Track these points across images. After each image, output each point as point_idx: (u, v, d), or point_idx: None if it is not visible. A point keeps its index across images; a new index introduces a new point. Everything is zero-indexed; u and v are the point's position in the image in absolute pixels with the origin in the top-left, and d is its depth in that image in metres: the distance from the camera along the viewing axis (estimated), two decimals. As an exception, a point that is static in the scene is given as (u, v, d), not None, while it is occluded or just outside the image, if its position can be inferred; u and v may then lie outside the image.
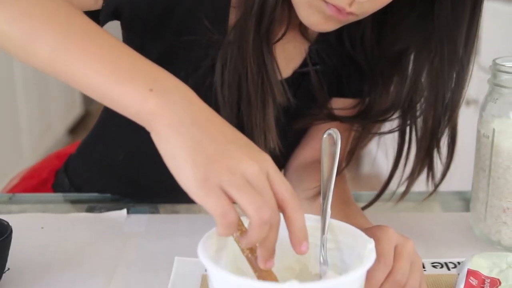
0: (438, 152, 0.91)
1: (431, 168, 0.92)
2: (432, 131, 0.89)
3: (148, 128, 0.61)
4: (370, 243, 0.63)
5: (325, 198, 0.69)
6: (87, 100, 4.42)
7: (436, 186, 0.93)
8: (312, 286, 0.57)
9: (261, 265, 0.61)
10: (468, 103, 2.12)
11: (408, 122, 0.91)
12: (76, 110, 4.22)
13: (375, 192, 0.98)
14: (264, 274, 0.62)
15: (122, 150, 1.00)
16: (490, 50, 0.80)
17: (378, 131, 0.94)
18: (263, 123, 0.84)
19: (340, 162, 0.83)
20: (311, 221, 0.69)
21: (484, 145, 0.86)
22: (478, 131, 0.87)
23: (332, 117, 0.93)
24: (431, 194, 0.94)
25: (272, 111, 0.84)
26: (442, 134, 0.90)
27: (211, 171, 0.57)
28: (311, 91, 0.92)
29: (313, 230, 0.68)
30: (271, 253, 0.61)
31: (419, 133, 0.91)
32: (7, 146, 2.93)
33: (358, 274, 0.58)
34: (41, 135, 3.44)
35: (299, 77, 0.92)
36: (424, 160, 0.91)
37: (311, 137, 1.00)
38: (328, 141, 0.72)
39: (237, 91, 0.83)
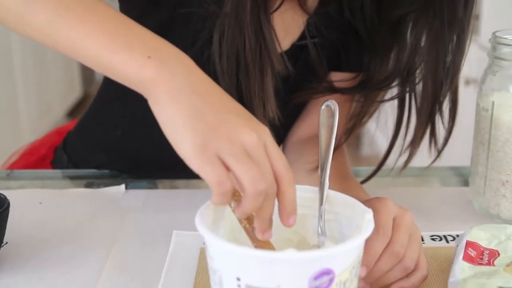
0: (441, 115, 0.91)
1: (433, 134, 0.91)
2: (434, 95, 0.89)
3: (146, 96, 0.61)
4: (369, 213, 0.63)
5: (323, 169, 0.69)
6: (86, 83, 4.42)
7: (439, 152, 0.92)
8: (310, 254, 0.57)
9: (259, 235, 0.61)
10: (467, 82, 2.11)
11: (408, 89, 0.91)
12: (75, 93, 4.22)
13: (370, 167, 0.97)
14: (261, 245, 0.62)
15: (120, 126, 1.00)
16: (490, 29, 0.80)
17: (380, 99, 0.94)
18: (262, 93, 0.83)
19: (338, 135, 0.83)
20: (309, 192, 0.68)
21: (484, 119, 0.85)
22: (478, 105, 0.87)
23: (332, 90, 0.93)
24: (434, 160, 0.94)
25: (271, 80, 0.84)
26: (444, 97, 0.89)
27: (210, 139, 0.57)
28: (310, 64, 0.92)
29: (311, 202, 0.68)
30: (268, 224, 0.61)
31: (418, 100, 0.91)
32: (6, 129, 2.93)
33: (356, 243, 0.58)
34: (40, 118, 3.44)
35: (297, 50, 0.92)
36: (426, 125, 0.90)
37: (309, 111, 0.99)
38: (326, 112, 0.71)
39: (236, 62, 0.82)
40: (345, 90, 0.93)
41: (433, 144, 0.92)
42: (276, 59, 0.83)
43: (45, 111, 3.56)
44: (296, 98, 0.94)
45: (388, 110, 0.98)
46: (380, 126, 1.02)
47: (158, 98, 0.59)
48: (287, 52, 0.89)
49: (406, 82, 0.91)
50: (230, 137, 0.57)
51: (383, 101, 0.94)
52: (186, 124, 0.58)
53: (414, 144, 0.92)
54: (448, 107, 0.91)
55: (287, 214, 0.61)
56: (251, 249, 0.57)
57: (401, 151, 0.94)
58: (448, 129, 0.92)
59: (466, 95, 2.12)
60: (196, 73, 0.61)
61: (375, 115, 0.98)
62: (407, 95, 0.92)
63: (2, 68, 2.95)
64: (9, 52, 3.04)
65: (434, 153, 0.93)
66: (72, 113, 4.03)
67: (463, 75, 2.25)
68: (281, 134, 0.99)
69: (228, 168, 0.57)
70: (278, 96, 0.86)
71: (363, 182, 0.95)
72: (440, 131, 0.92)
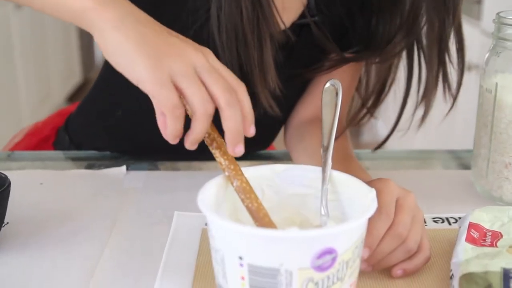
0: (449, 55, 0.91)
1: (446, 79, 0.91)
2: (439, 35, 0.89)
3: (91, 29, 0.62)
4: (371, 193, 0.62)
5: (326, 149, 0.68)
6: (86, 68, 4.41)
7: (455, 98, 0.93)
8: (313, 232, 0.56)
9: (230, 150, 0.62)
10: (469, 68, 2.10)
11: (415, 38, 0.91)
12: (75, 78, 4.21)
13: (371, 151, 0.97)
14: (264, 223, 0.62)
15: (120, 106, 1.00)
16: (492, 15, 0.79)
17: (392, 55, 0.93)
18: (262, 63, 0.83)
19: (340, 118, 0.83)
20: (312, 172, 0.68)
21: (487, 100, 0.85)
22: (481, 87, 0.86)
23: (344, 61, 0.93)
24: (451, 108, 0.94)
25: (270, 50, 0.84)
26: (449, 35, 0.89)
27: (163, 60, 0.59)
28: (312, 43, 0.91)
29: (314, 182, 0.68)
30: (238, 137, 0.61)
31: (426, 46, 0.91)
32: (6, 115, 2.93)
33: (359, 222, 0.58)
34: (40, 104, 3.43)
35: (297, 29, 0.91)
36: (438, 70, 0.90)
37: (310, 94, 0.99)
38: (329, 92, 0.71)
39: (234, 33, 0.82)
40: (358, 57, 0.93)
41: (447, 90, 0.92)
42: (274, 28, 0.84)
43: (45, 96, 3.55)
44: (304, 76, 0.94)
45: (388, 99, 0.98)
46: (380, 113, 1.02)
47: (103, 27, 0.61)
48: (287, 30, 0.89)
49: (412, 30, 0.90)
50: (182, 58, 0.59)
51: (393, 57, 0.93)
52: (136, 49, 0.59)
53: (428, 93, 0.91)
54: (455, 48, 0.91)
55: (248, 123, 0.62)
56: (254, 227, 0.56)
57: (416, 103, 0.94)
58: (460, 71, 0.92)
59: (468, 80, 2.12)
60: (133, 6, 0.64)
61: None
62: (415, 44, 0.92)
63: (2, 54, 2.94)
64: (9, 38, 3.03)
65: (449, 100, 0.93)
66: (72, 98, 4.03)
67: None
68: (285, 113, 0.98)
69: (179, 90, 0.59)
70: (281, 72, 0.86)
71: (376, 148, 0.96)
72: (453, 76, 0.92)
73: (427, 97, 0.92)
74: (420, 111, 0.94)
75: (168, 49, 0.60)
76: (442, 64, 0.90)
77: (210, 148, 0.64)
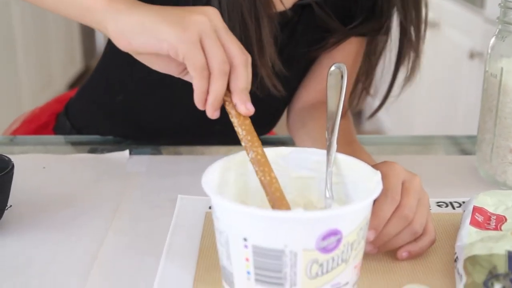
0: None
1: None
2: None
3: (103, 21, 0.65)
4: (377, 175, 0.62)
5: (331, 131, 0.68)
6: (87, 56, 4.40)
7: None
8: (318, 214, 0.56)
9: (241, 110, 0.63)
10: (472, 55, 2.10)
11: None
12: (76, 66, 4.20)
13: (378, 135, 0.98)
14: (275, 198, 0.62)
15: (121, 90, 1.00)
16: (495, 2, 0.80)
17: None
18: (260, 41, 0.84)
19: (344, 100, 0.83)
20: (317, 155, 0.68)
21: (492, 85, 0.84)
22: (486, 71, 0.86)
23: (347, 35, 0.94)
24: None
25: (268, 29, 0.84)
26: None
27: (187, 24, 0.61)
28: (315, 23, 0.91)
29: (318, 165, 0.68)
30: (246, 95, 0.63)
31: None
32: (7, 102, 2.92)
33: (364, 204, 0.58)
34: (41, 91, 3.42)
35: (299, 9, 0.91)
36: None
37: (313, 78, 0.99)
38: (334, 75, 0.70)
39: (234, 14, 0.82)
40: (361, 30, 0.94)
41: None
42: (271, 10, 0.85)
43: (46, 84, 3.54)
44: (308, 55, 0.94)
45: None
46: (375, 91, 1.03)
47: (116, 15, 0.64)
48: (288, 11, 0.89)
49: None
50: (202, 20, 0.62)
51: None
52: (157, 21, 0.62)
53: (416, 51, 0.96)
54: None
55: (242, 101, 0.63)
56: (259, 208, 0.56)
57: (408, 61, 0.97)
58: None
59: (471, 68, 2.12)
60: None
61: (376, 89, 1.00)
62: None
63: (3, 41, 2.94)
64: (10, 25, 3.02)
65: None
66: (73, 86, 4.02)
67: (467, 48, 2.26)
68: (288, 94, 0.98)
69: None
70: (284, 52, 0.86)
71: (371, 116, 1.02)
72: None
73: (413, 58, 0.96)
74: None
75: (187, 14, 0.62)
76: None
77: (230, 116, 0.64)
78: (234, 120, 0.64)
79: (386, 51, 0.99)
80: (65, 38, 3.95)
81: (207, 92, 0.63)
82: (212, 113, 0.63)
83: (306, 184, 0.69)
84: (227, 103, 0.64)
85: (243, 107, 0.63)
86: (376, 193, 0.59)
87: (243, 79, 0.62)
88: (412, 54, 0.96)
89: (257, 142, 0.62)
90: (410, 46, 0.95)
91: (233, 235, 0.58)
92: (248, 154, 0.63)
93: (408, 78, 0.98)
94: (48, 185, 0.86)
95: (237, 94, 0.63)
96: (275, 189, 0.62)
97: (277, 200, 0.62)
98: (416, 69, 0.97)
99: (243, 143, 0.63)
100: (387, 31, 0.96)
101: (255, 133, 0.64)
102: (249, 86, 0.63)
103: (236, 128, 0.64)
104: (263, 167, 0.62)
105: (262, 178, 0.62)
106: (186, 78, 0.67)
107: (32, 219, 0.77)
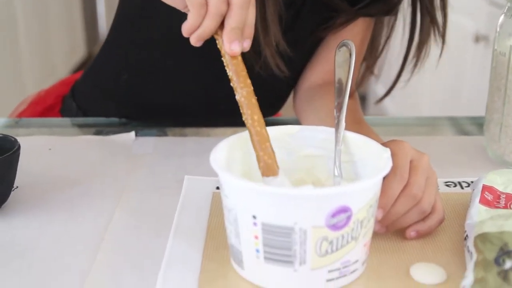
0: None
1: (434, 21, 0.95)
2: None
3: None
4: (386, 152, 0.62)
5: (339, 109, 0.67)
6: (90, 43, 4.39)
7: (443, 36, 0.97)
8: (328, 190, 0.56)
9: (226, 48, 0.62)
10: (477, 39, 2.08)
11: None
12: (79, 53, 4.19)
13: (385, 117, 0.97)
14: (255, 141, 0.62)
15: (126, 70, 0.99)
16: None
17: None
18: (264, 20, 0.83)
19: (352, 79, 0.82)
20: (325, 133, 0.67)
21: (500, 64, 0.84)
22: (495, 50, 0.85)
23: (355, 16, 0.93)
24: (442, 50, 0.98)
25: (272, 4, 0.83)
26: None
27: None
28: (321, 2, 0.91)
29: (327, 143, 0.67)
30: (235, 34, 0.61)
31: None
32: (10, 90, 2.92)
33: (374, 181, 0.57)
34: (44, 78, 3.41)
35: None
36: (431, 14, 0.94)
37: (320, 59, 0.98)
38: (342, 52, 0.70)
39: None
40: (368, 11, 0.93)
41: (436, 33, 0.95)
42: None
43: (49, 72, 3.53)
44: (314, 35, 0.93)
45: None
46: (386, 85, 1.02)
47: None
48: None
49: None
50: None
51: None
52: None
53: (425, 37, 0.95)
54: None
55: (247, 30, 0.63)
56: (268, 186, 0.56)
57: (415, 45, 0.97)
58: (443, 12, 0.95)
59: (476, 52, 2.11)
60: None
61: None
62: None
63: (5, 29, 2.93)
64: (13, 13, 3.01)
65: (439, 41, 0.97)
66: (76, 73, 4.01)
67: (472, 31, 2.24)
68: (293, 76, 0.97)
69: None
70: (289, 33, 0.85)
71: (379, 100, 1.00)
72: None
73: (423, 42, 0.95)
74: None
75: None
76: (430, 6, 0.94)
77: (222, 54, 0.64)
78: (224, 59, 0.63)
79: (393, 31, 0.98)
80: (67, 25, 3.94)
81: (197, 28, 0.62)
82: (195, 43, 0.63)
83: (314, 163, 0.68)
84: (218, 41, 0.63)
85: (227, 45, 0.62)
86: (386, 170, 0.58)
87: (236, 19, 0.61)
88: (427, 41, 0.95)
89: (244, 83, 0.62)
90: (428, 32, 0.95)
91: (242, 213, 0.57)
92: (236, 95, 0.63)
93: (416, 64, 0.98)
94: (54, 167, 0.85)
95: (226, 33, 0.62)
96: (255, 133, 0.62)
97: (256, 143, 0.61)
98: (426, 55, 0.97)
99: (231, 84, 0.63)
100: (396, 12, 0.95)
101: (243, 73, 0.63)
102: (242, 27, 0.62)
103: (226, 68, 0.64)
104: (245, 110, 0.62)
105: (245, 121, 0.62)
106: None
107: (38, 200, 0.76)
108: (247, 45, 0.63)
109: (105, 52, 1.05)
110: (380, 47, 0.99)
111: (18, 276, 0.62)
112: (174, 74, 0.95)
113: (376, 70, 1.01)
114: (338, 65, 0.70)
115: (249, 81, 0.62)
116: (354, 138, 0.66)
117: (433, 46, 0.96)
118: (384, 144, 0.67)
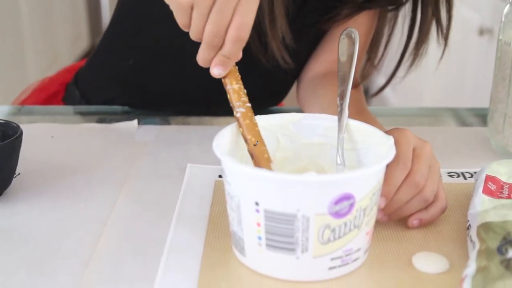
0: None
1: (439, 21, 0.94)
2: None
3: None
4: (390, 140, 0.61)
5: (342, 97, 0.67)
6: (93, 33, 4.38)
7: (446, 38, 0.95)
8: (331, 177, 0.55)
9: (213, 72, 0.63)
10: (482, 32, 2.08)
11: None
12: (82, 43, 4.19)
13: (389, 107, 0.97)
14: (235, 107, 0.64)
15: (131, 55, 0.99)
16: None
17: None
18: (272, 12, 0.82)
19: (355, 70, 0.82)
20: (328, 121, 0.67)
21: (505, 54, 0.83)
22: (499, 40, 0.85)
23: (360, 8, 0.93)
24: (444, 50, 0.96)
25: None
26: None
27: None
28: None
29: (330, 131, 0.67)
30: (208, 45, 0.61)
31: None
32: (14, 80, 2.91)
33: (377, 168, 0.57)
34: (47, 68, 3.41)
35: None
36: (432, 13, 0.93)
37: (324, 49, 0.98)
38: (346, 41, 0.69)
39: None
40: (374, 3, 0.93)
41: (440, 33, 0.94)
42: None
43: (52, 62, 3.53)
44: (319, 27, 0.93)
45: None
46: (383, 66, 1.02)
47: None
48: None
49: None
50: None
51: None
52: None
53: (424, 36, 0.94)
54: None
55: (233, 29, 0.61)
56: (272, 172, 0.56)
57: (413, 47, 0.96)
58: (447, 13, 0.94)
59: (480, 45, 2.10)
60: None
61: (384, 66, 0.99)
62: None
63: (9, 20, 2.92)
64: (16, 3, 3.01)
65: (442, 42, 0.95)
66: (79, 61, 4.01)
67: (477, 24, 2.23)
68: (298, 67, 0.97)
69: None
70: (295, 23, 0.85)
71: (376, 94, 0.99)
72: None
73: (422, 41, 0.94)
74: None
75: None
76: (435, 8, 0.93)
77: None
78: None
79: (395, 28, 0.97)
80: (71, 15, 3.94)
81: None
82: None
83: (317, 151, 0.68)
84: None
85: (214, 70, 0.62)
86: (389, 158, 0.58)
87: (225, 50, 0.61)
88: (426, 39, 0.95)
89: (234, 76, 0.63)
90: (427, 32, 0.94)
91: (244, 199, 0.57)
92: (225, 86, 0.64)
93: (413, 62, 0.97)
94: (57, 154, 0.85)
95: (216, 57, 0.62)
96: (237, 97, 0.64)
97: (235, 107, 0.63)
98: (423, 55, 0.96)
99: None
100: (401, 5, 0.94)
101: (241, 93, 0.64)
102: (218, 37, 0.61)
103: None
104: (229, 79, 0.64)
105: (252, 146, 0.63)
106: None
107: (41, 187, 0.76)
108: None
109: (110, 36, 1.05)
110: (383, 43, 0.98)
111: (20, 262, 0.62)
112: (176, 62, 0.95)
113: (376, 62, 1.01)
114: (341, 53, 0.69)
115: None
116: (357, 126, 0.66)
117: (435, 45, 0.95)
118: (387, 132, 0.67)
